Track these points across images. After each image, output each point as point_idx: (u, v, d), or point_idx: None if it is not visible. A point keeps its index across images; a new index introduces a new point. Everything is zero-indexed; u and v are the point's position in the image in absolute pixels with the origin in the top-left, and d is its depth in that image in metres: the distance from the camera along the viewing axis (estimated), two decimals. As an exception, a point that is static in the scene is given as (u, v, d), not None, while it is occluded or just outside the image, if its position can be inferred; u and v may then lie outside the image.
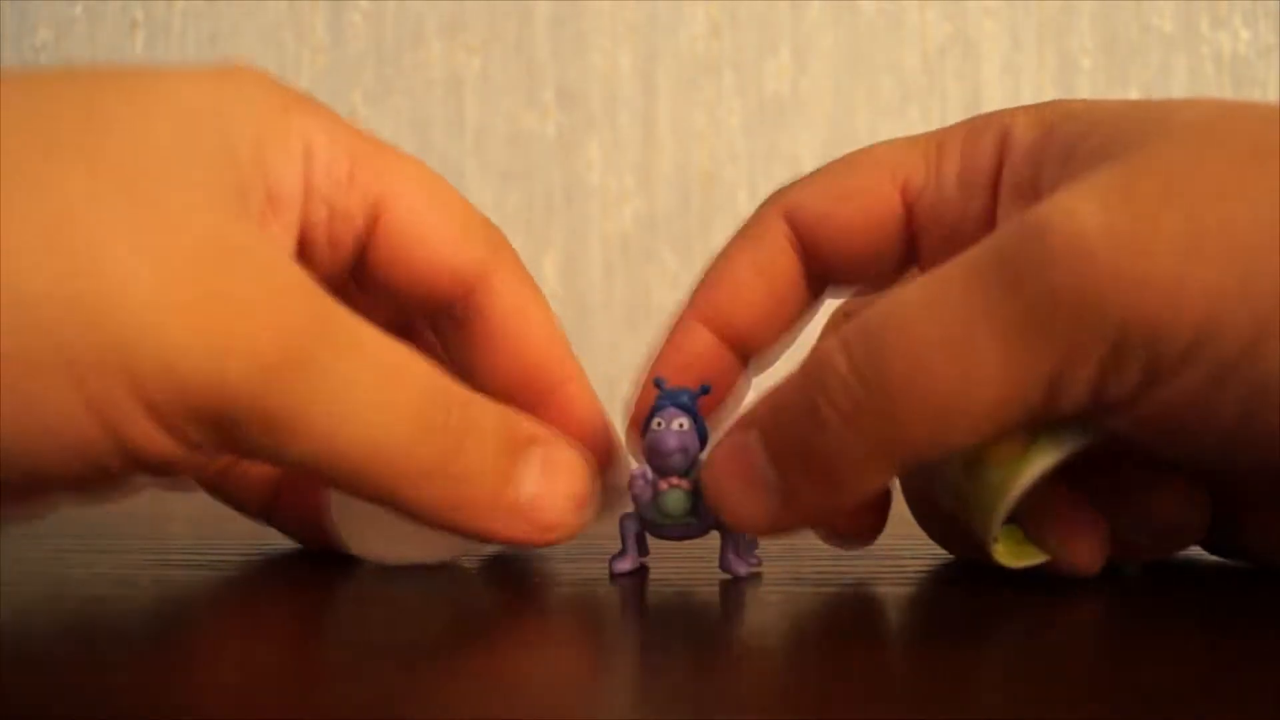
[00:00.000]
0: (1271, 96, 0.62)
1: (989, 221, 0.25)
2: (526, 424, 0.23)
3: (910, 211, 0.26)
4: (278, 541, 0.30)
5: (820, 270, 0.27)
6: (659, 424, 0.26)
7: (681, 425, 0.25)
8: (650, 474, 0.26)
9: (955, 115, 0.46)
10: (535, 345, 0.26)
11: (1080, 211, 0.19)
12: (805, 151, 0.61)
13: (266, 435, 0.19)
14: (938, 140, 0.26)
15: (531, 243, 0.61)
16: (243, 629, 0.22)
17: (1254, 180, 0.19)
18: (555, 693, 0.18)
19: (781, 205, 0.27)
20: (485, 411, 0.22)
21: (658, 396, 0.26)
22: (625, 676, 0.19)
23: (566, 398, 0.27)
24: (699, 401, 0.26)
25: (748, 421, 0.22)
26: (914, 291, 0.20)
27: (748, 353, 0.28)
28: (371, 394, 0.20)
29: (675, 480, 0.26)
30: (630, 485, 0.26)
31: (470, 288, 0.25)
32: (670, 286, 0.60)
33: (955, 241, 0.24)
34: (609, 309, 0.60)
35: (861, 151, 0.27)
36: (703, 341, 0.27)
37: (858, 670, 0.19)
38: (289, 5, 0.61)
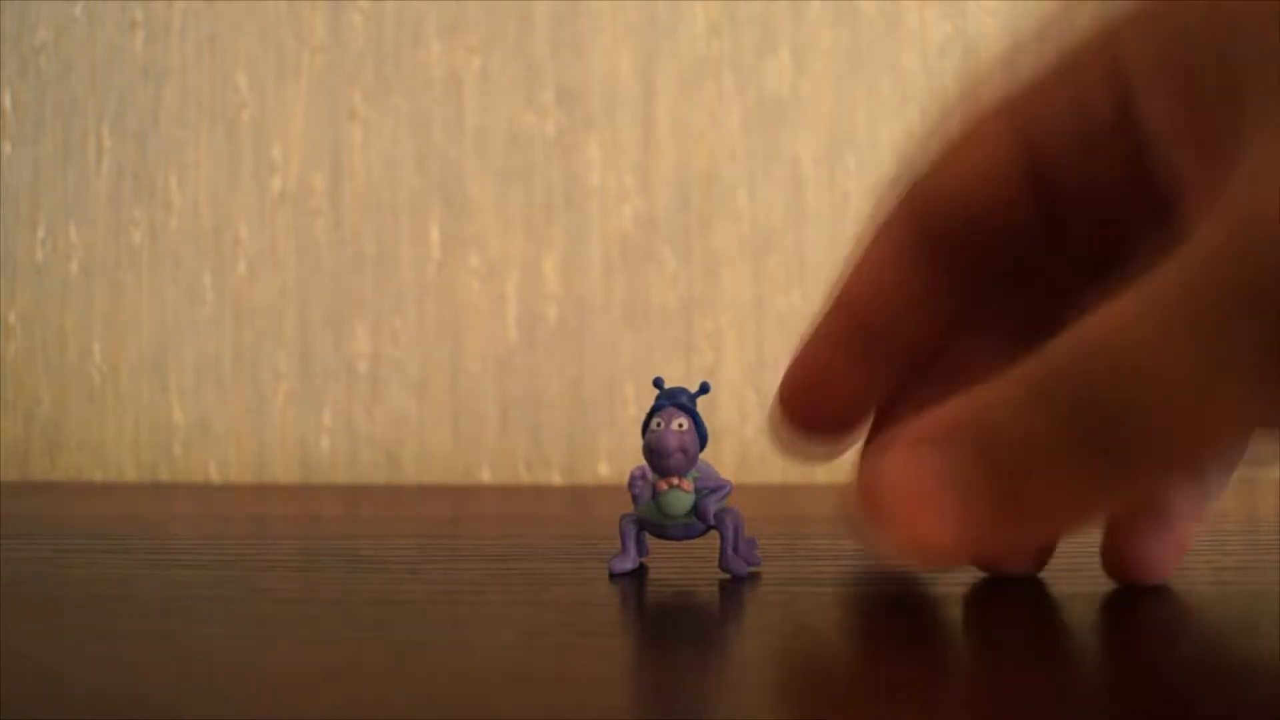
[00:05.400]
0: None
1: (1135, 161, 0.21)
2: None
3: (1038, 160, 0.22)
4: (278, 541, 0.30)
5: (957, 261, 0.24)
6: (658, 424, 0.25)
7: (681, 425, 0.25)
8: (650, 474, 0.26)
9: (955, 115, 0.46)
10: None
11: None
12: (805, 151, 0.61)
13: None
14: (1048, 78, 0.22)
15: (531, 243, 0.61)
16: (243, 628, 0.22)
17: None
18: (554, 691, 0.18)
19: (903, 201, 0.24)
20: None
21: (657, 397, 0.26)
22: (623, 676, 0.19)
23: None
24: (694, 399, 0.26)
25: (939, 438, 0.19)
26: (1131, 316, 0.17)
27: (897, 349, 0.24)
28: None
29: (675, 480, 0.25)
30: (630, 485, 0.26)
31: None
32: (670, 286, 0.60)
33: (1100, 196, 0.22)
34: (609, 309, 0.60)
35: (971, 106, 0.23)
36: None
37: (858, 670, 0.19)
38: (289, 5, 0.61)
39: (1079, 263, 0.24)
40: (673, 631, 0.21)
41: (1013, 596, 0.23)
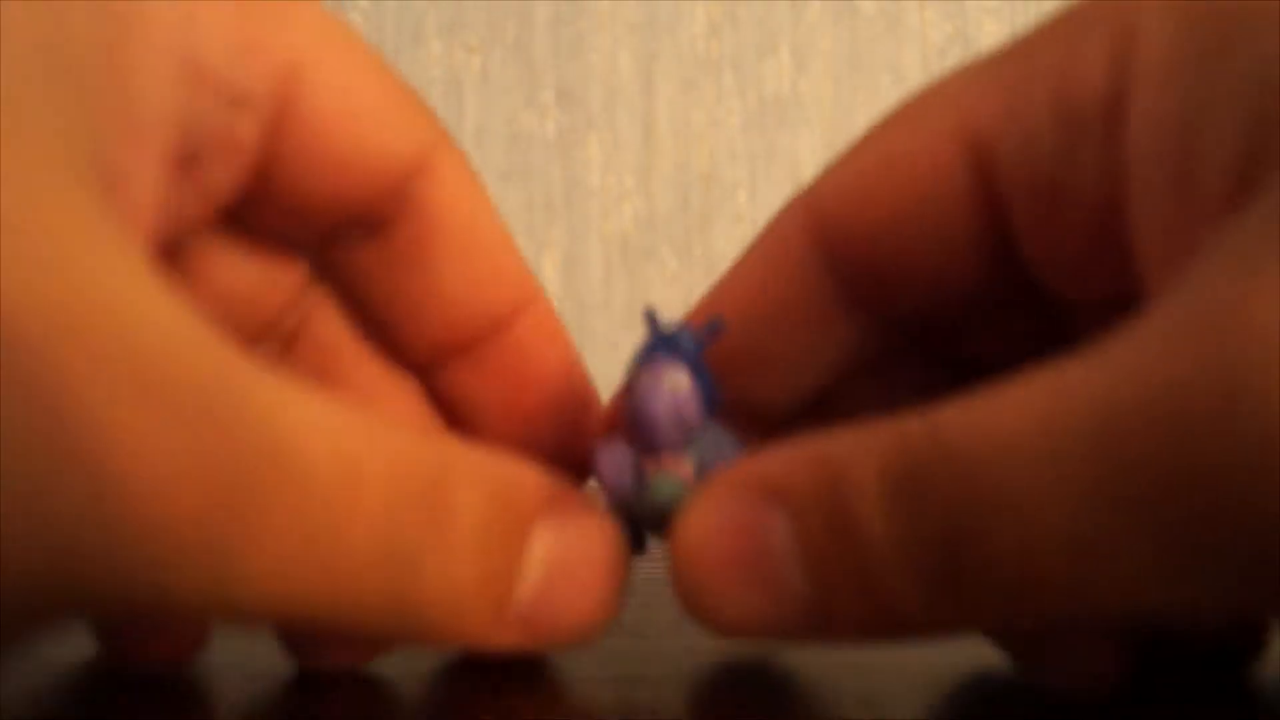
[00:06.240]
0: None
1: (1109, 181, 0.16)
2: (527, 483, 0.17)
3: (987, 171, 0.17)
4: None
5: (867, 290, 0.19)
6: (645, 381, 0.17)
7: (678, 383, 0.17)
8: (630, 452, 0.18)
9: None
10: (490, 250, 0.20)
11: None
12: (805, 151, 0.61)
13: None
14: (1024, 54, 0.17)
15: (531, 243, 0.61)
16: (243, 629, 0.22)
17: None
18: (554, 691, 0.18)
19: (802, 206, 0.19)
20: (469, 485, 0.16)
21: (647, 340, 0.18)
22: (624, 676, 0.19)
23: (529, 328, 0.20)
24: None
25: (767, 490, 0.15)
26: (1010, 422, 0.13)
27: (763, 420, 0.20)
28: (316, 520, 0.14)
29: (668, 461, 0.17)
30: (597, 466, 0.18)
31: (406, 178, 0.19)
32: (670, 286, 0.60)
33: (1058, 215, 0.16)
34: (609, 309, 0.60)
35: (917, 96, 0.18)
36: None
37: (860, 670, 0.19)
38: (289, 5, 0.61)
39: (1023, 309, 0.18)
40: (671, 631, 0.21)
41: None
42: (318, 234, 0.19)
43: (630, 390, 0.17)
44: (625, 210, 0.61)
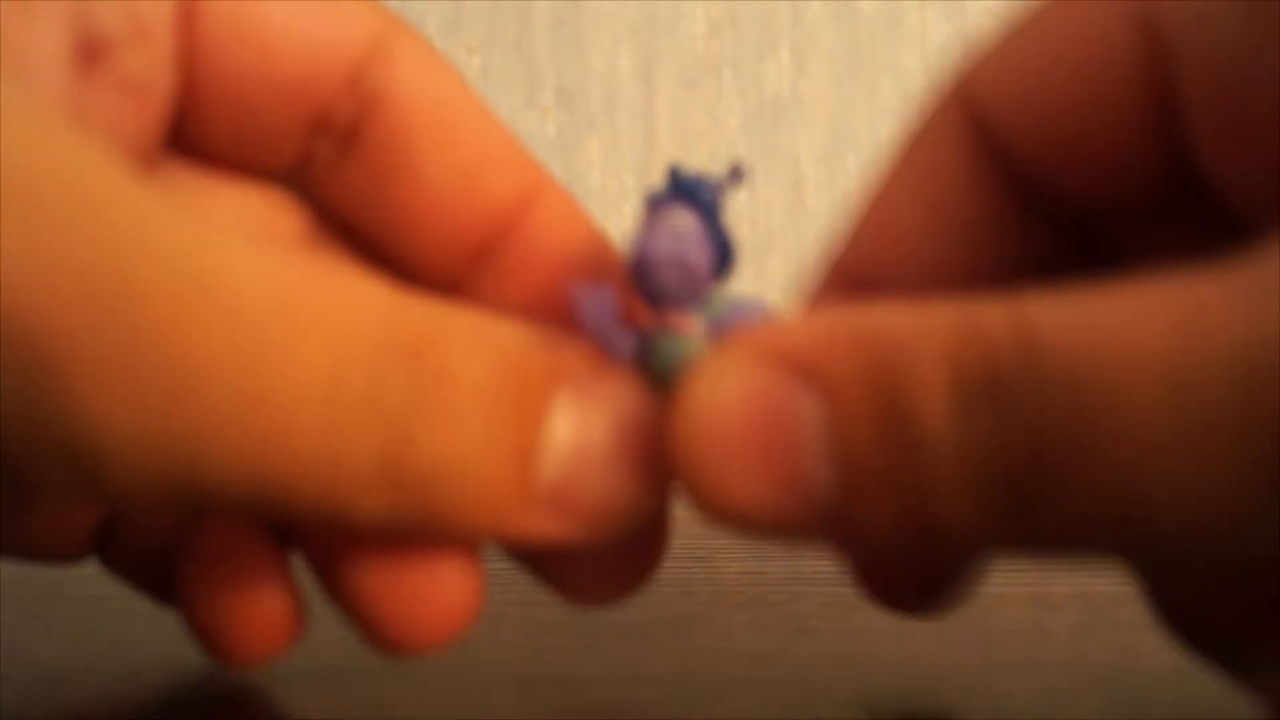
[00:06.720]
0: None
1: None
2: (541, 351, 0.14)
3: (1162, 59, 0.15)
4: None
5: (1027, 189, 0.16)
6: (649, 223, 0.15)
7: (683, 224, 0.15)
8: (614, 295, 0.15)
9: (955, 115, 0.46)
10: (475, 136, 0.18)
11: None
12: (805, 151, 0.61)
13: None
14: None
15: (531, 243, 0.61)
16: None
17: None
18: (554, 691, 0.18)
19: (960, 93, 0.17)
20: (469, 348, 0.14)
21: (662, 186, 0.15)
22: (623, 677, 0.19)
23: (544, 218, 0.18)
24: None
25: (800, 366, 0.13)
26: (1127, 334, 0.11)
27: None
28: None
29: (673, 318, 0.15)
30: (576, 310, 0.15)
31: (358, 69, 0.17)
32: (670, 286, 0.60)
33: (1240, 119, 0.14)
34: (609, 309, 0.60)
35: None
36: None
37: (859, 669, 0.19)
38: (289, 5, 0.61)
39: (1194, 218, 0.16)
40: (672, 631, 0.21)
41: (1017, 595, 0.23)
42: (286, 156, 0.17)
43: (637, 239, 0.15)
44: (625, 210, 0.61)
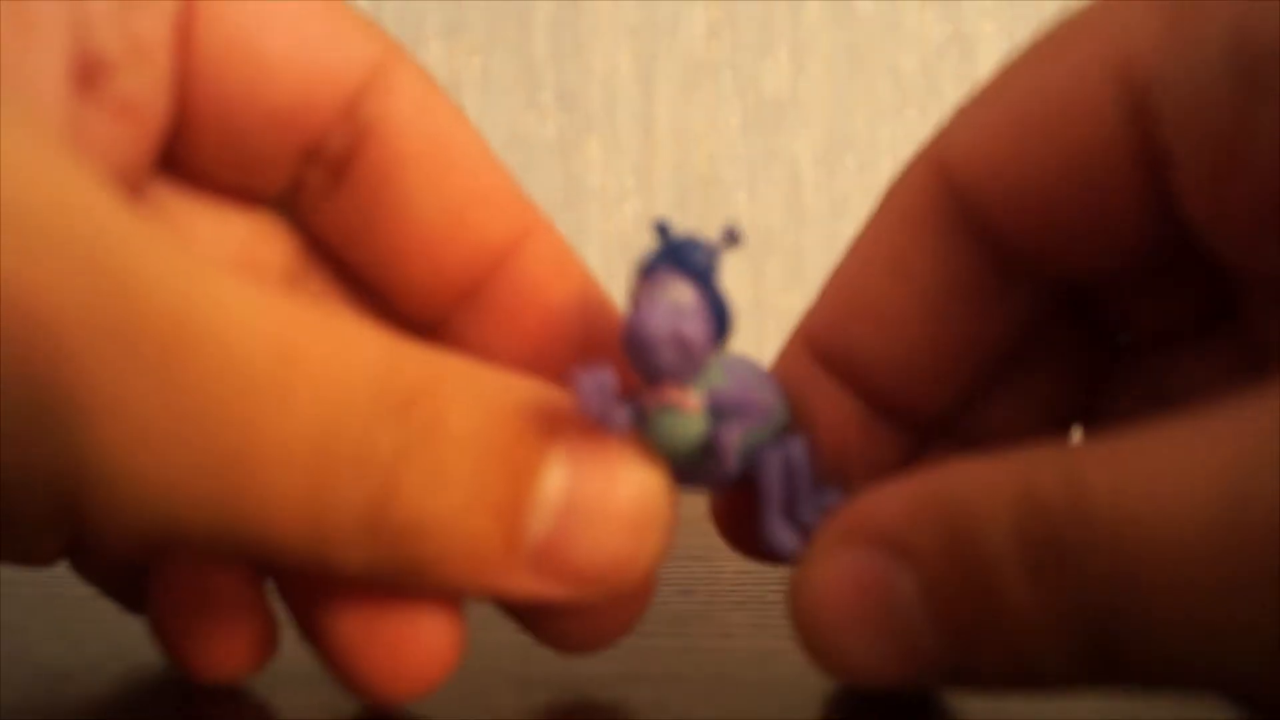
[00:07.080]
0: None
1: None
2: (537, 405, 0.14)
3: (1146, 117, 0.14)
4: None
5: (1010, 258, 0.16)
6: (643, 295, 0.14)
7: (680, 297, 0.14)
8: (614, 375, 0.14)
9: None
10: (469, 171, 0.17)
11: None
12: (804, 152, 0.61)
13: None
14: None
15: (531, 243, 0.61)
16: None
17: None
18: (554, 691, 0.18)
19: (932, 160, 0.16)
20: (463, 400, 0.14)
21: (653, 251, 0.15)
22: (622, 677, 0.19)
23: (534, 261, 0.18)
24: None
25: (888, 544, 0.14)
26: (1170, 490, 0.12)
27: (900, 409, 0.17)
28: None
29: (670, 393, 0.14)
30: (575, 392, 0.14)
31: (353, 97, 0.16)
32: (670, 287, 0.60)
33: (1228, 177, 0.14)
34: (608, 309, 0.60)
35: (1058, 27, 0.15)
36: (821, 394, 0.17)
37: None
38: (288, 6, 0.61)
39: (1184, 278, 0.16)
40: (672, 631, 0.21)
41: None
42: (277, 181, 0.17)
43: (631, 309, 0.14)
44: (625, 210, 0.61)
